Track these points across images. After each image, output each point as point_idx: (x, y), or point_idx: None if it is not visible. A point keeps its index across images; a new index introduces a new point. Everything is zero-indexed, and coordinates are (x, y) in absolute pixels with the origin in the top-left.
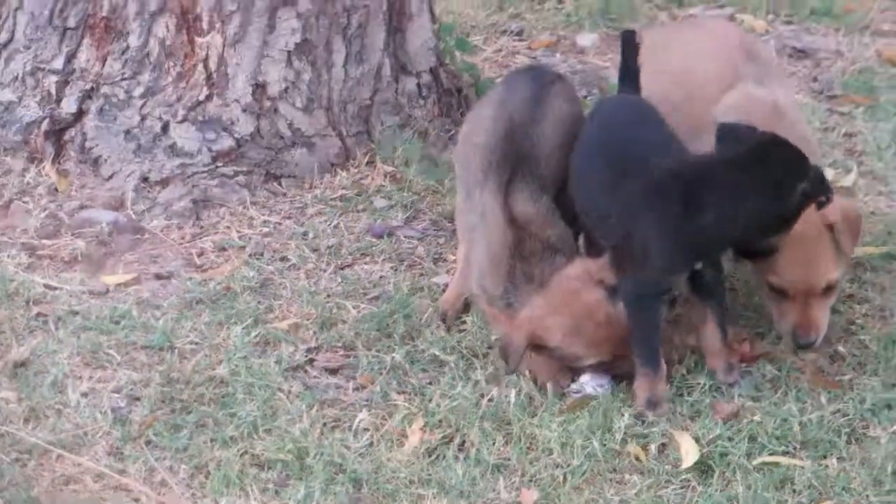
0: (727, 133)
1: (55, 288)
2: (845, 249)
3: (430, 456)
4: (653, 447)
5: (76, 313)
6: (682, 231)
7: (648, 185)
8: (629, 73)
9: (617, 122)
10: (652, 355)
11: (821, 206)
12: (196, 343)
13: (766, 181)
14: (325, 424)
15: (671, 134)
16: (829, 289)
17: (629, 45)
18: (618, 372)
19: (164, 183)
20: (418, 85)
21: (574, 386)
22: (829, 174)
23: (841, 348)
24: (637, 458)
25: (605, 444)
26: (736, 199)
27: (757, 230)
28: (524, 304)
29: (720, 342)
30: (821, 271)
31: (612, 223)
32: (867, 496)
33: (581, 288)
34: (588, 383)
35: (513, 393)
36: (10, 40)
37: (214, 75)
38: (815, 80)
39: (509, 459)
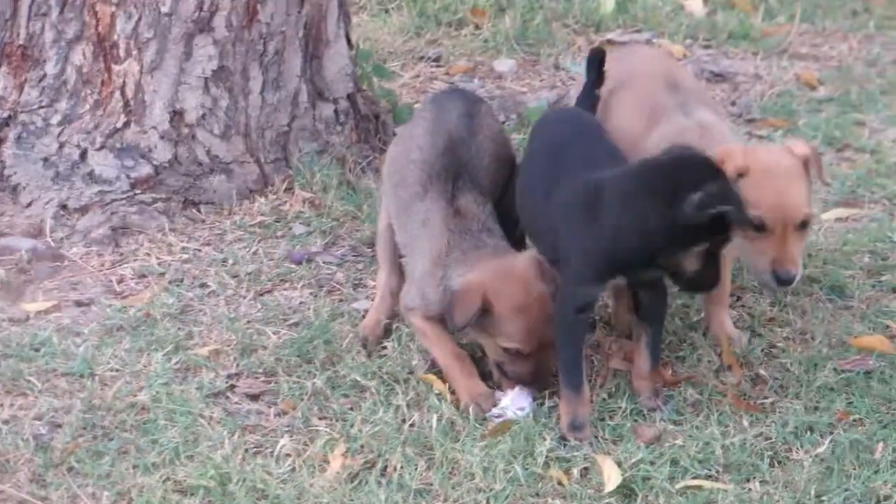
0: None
1: None
2: (821, 178)
3: (352, 481)
4: (575, 471)
5: None
6: (591, 243)
7: (566, 199)
8: (588, 94)
9: (556, 135)
10: (575, 376)
11: (731, 221)
12: (117, 370)
13: (655, 190)
14: (246, 450)
15: (609, 148)
16: (804, 225)
17: (595, 65)
18: (531, 383)
19: (82, 210)
20: (336, 111)
21: (495, 410)
22: None
23: (763, 371)
24: (559, 483)
25: (527, 469)
26: (627, 209)
27: (663, 243)
28: (465, 274)
29: (650, 366)
30: (798, 201)
31: (547, 238)
32: None
33: (534, 276)
34: (509, 407)
35: (434, 418)
36: None
37: (132, 102)
38: (733, 103)
39: (431, 484)
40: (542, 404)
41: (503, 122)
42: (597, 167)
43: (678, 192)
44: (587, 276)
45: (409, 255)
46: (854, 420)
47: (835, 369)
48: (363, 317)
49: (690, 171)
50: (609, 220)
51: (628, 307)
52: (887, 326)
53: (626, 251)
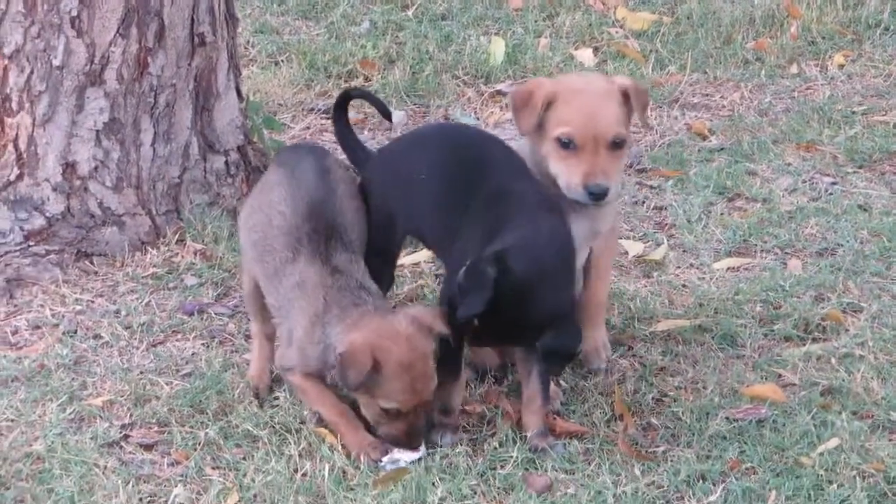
0: None
1: None
2: (637, 113)
3: None
4: None
5: None
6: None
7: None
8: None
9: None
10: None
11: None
12: (12, 420)
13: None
14: (140, 499)
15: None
16: (617, 144)
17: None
18: (404, 444)
19: None
20: (226, 163)
21: (386, 458)
22: (639, 247)
23: (654, 420)
24: None
25: None
26: None
27: None
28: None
29: (540, 399)
30: (609, 120)
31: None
32: None
33: (416, 334)
34: (401, 456)
35: (327, 467)
36: None
37: (25, 155)
38: None
39: None
40: (434, 453)
41: None
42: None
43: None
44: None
45: (283, 317)
46: (746, 468)
47: (727, 418)
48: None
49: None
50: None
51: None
52: (779, 375)
53: None
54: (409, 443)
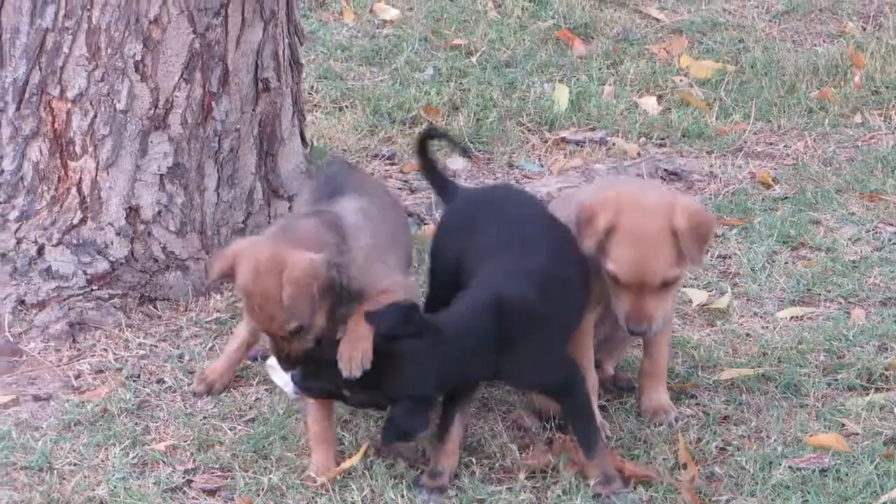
0: None
1: None
2: (690, 256)
3: None
4: None
5: None
6: None
7: None
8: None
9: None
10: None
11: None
12: (75, 464)
13: None
14: None
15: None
16: (666, 284)
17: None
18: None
19: (40, 306)
20: (290, 209)
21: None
22: (703, 296)
23: (717, 469)
24: None
25: None
26: None
27: None
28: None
29: (583, 453)
30: (656, 269)
31: None
32: None
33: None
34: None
35: None
36: None
37: (88, 199)
38: None
39: None
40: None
41: None
42: None
43: None
44: None
45: None
46: None
47: (790, 467)
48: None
49: None
50: None
51: None
52: (843, 425)
53: None
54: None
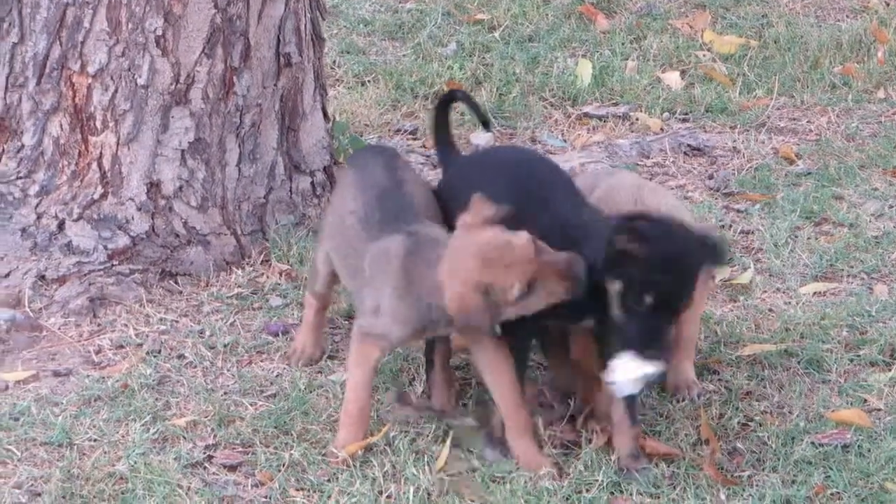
0: None
1: None
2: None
3: None
4: None
5: None
6: None
7: None
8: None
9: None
10: None
11: None
12: (95, 440)
13: None
14: None
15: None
16: None
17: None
18: None
19: (60, 281)
20: (312, 183)
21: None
22: (726, 271)
23: (739, 444)
24: None
25: None
26: None
27: None
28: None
29: (629, 420)
30: None
31: None
32: None
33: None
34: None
35: (411, 489)
36: None
37: (109, 174)
38: (710, 177)
39: None
40: (519, 477)
41: None
42: None
43: None
44: None
45: (370, 293)
46: (832, 494)
47: (812, 443)
48: (341, 388)
49: None
50: None
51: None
52: (865, 400)
53: None
54: None
